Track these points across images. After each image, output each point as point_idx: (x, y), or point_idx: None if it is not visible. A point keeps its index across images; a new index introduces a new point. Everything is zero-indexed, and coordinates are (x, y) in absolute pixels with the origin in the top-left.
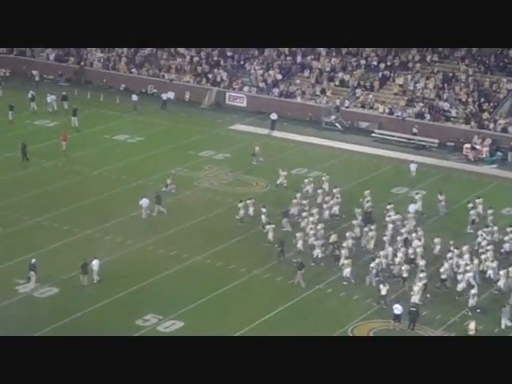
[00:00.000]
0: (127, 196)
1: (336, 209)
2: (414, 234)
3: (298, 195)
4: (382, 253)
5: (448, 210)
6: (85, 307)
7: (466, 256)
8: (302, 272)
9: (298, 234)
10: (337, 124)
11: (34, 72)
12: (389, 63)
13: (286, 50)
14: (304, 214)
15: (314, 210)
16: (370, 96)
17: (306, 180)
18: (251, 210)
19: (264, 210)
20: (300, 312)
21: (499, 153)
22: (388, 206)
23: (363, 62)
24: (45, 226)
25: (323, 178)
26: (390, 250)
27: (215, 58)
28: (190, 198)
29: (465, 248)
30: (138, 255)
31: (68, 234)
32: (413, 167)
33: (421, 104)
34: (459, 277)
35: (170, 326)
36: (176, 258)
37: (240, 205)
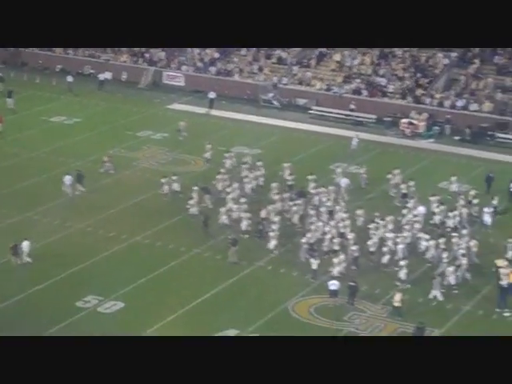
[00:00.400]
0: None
1: (259, 182)
2: (337, 207)
3: (222, 170)
4: (312, 227)
5: (369, 183)
6: (25, 289)
7: (391, 227)
8: (236, 248)
9: (221, 209)
10: (274, 101)
11: None
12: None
13: None
14: (228, 189)
15: (235, 185)
16: (308, 73)
17: (227, 155)
18: (176, 186)
19: (195, 188)
20: (241, 290)
21: (436, 127)
22: (309, 177)
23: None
24: None
25: (246, 151)
26: (319, 224)
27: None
28: (128, 178)
29: (389, 218)
30: (77, 237)
31: (6, 216)
32: (354, 141)
33: (358, 80)
34: (384, 249)
35: (111, 307)
36: (115, 238)
37: (163, 180)
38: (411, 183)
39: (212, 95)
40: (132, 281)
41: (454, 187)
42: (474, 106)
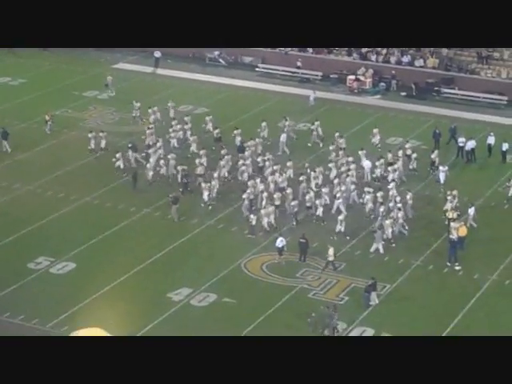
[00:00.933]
0: (12, 139)
1: (180, 135)
2: (267, 163)
3: (150, 126)
4: (249, 183)
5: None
6: None
7: (321, 177)
8: (177, 206)
9: (147, 165)
10: (220, 60)
11: None
12: None
13: None
14: (158, 144)
15: (159, 143)
16: None
17: (150, 110)
18: (103, 143)
19: (130, 144)
20: (193, 248)
21: (382, 83)
22: (235, 131)
23: None
24: None
25: (169, 104)
26: (257, 180)
27: None
28: (75, 139)
29: (318, 170)
30: (26, 198)
31: None
32: (312, 97)
33: None
34: (317, 201)
35: (63, 268)
36: (64, 199)
37: (90, 135)
38: (336, 134)
39: (157, 54)
40: (83, 241)
41: (376, 140)
42: (419, 62)
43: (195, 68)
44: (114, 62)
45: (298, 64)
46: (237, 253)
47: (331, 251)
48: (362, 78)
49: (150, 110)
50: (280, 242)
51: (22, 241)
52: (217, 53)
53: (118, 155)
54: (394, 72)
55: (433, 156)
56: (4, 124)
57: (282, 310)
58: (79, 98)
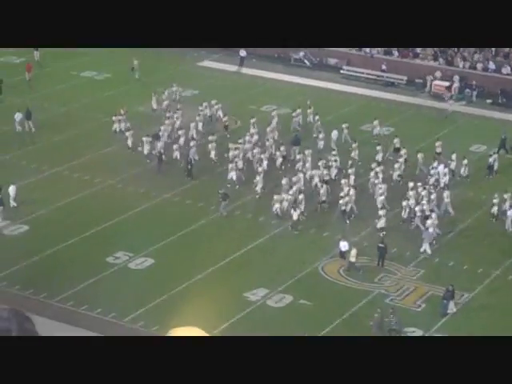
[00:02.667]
0: (95, 133)
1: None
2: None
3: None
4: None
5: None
6: (55, 245)
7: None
8: (227, 203)
9: (174, 146)
10: (305, 60)
11: None
12: None
13: None
14: (180, 132)
15: (181, 131)
16: None
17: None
18: (122, 125)
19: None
20: (270, 249)
21: (467, 90)
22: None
23: None
24: (13, 164)
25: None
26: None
27: None
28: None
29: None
30: (107, 193)
31: (36, 172)
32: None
33: None
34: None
35: (142, 263)
36: (145, 195)
37: (114, 118)
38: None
39: (243, 53)
40: (162, 238)
41: (377, 130)
42: (506, 69)
43: (280, 68)
44: (199, 59)
45: (383, 67)
46: (314, 255)
47: (354, 252)
48: (446, 83)
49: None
50: (343, 246)
51: (102, 235)
52: (302, 53)
53: (145, 139)
54: (476, 80)
55: (491, 160)
56: (88, 118)
57: (358, 314)
58: (163, 94)
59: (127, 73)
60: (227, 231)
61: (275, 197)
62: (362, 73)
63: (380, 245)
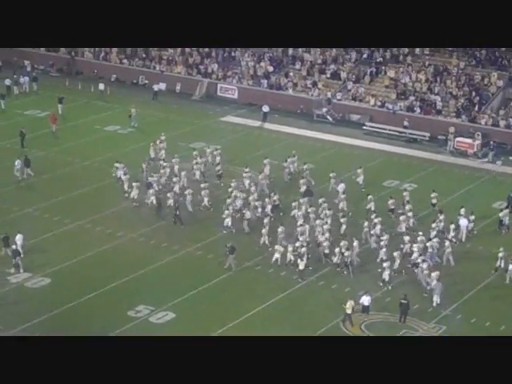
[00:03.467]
0: (118, 187)
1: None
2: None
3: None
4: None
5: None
6: (76, 298)
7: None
8: (234, 256)
9: (168, 194)
10: (328, 116)
11: (26, 62)
12: (380, 56)
13: None
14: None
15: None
16: (362, 89)
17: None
18: (119, 173)
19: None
20: (293, 304)
21: (490, 147)
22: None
23: (354, 55)
24: (36, 217)
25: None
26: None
27: (206, 50)
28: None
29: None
30: (129, 246)
31: (59, 224)
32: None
33: (412, 97)
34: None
35: (163, 317)
36: (167, 249)
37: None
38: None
39: (266, 109)
40: (184, 291)
41: (360, 180)
42: None
43: (302, 124)
44: (223, 114)
45: (405, 123)
46: (336, 311)
47: (349, 304)
48: (469, 140)
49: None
50: (367, 300)
51: (124, 288)
52: (325, 109)
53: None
54: (499, 137)
55: (501, 214)
56: (110, 172)
57: None
58: (186, 149)
59: (150, 127)
60: (249, 286)
61: (276, 247)
62: (385, 129)
63: (402, 301)
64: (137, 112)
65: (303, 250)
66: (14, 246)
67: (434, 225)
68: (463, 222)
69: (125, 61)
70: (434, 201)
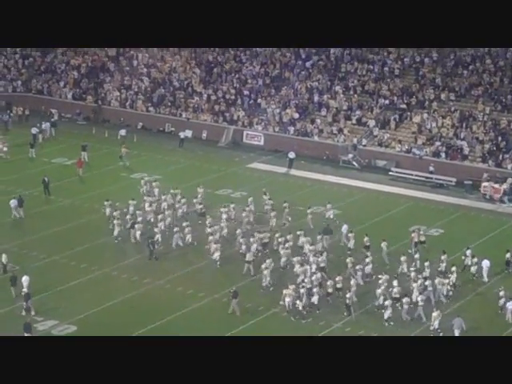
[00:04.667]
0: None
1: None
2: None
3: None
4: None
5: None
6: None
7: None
8: (237, 300)
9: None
10: (354, 162)
11: (53, 110)
12: (405, 102)
13: (304, 88)
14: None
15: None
16: (387, 135)
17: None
18: (107, 211)
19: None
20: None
21: None
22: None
23: (380, 101)
24: (62, 264)
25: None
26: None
27: (232, 97)
28: (202, 237)
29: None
30: (155, 293)
31: (85, 272)
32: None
33: (438, 143)
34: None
35: None
36: (193, 296)
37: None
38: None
39: (292, 155)
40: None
41: (329, 214)
42: None
43: (328, 170)
44: (249, 161)
45: (431, 169)
46: None
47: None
48: (496, 185)
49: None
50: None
51: (150, 335)
52: (350, 155)
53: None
54: None
55: (507, 256)
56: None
57: None
58: (212, 196)
59: (177, 174)
60: (276, 332)
61: (285, 291)
62: (411, 174)
63: None
64: (127, 152)
65: (302, 291)
66: (25, 290)
67: (426, 263)
68: (485, 262)
69: (151, 108)
70: (423, 238)
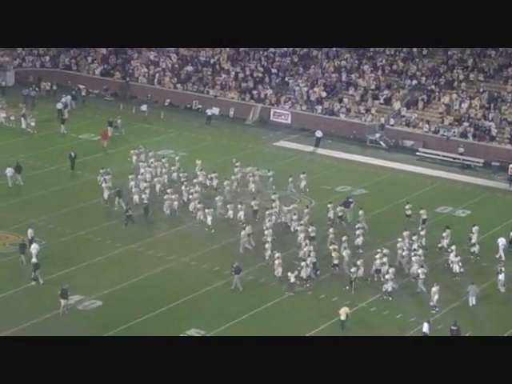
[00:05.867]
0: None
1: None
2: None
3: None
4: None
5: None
6: (128, 321)
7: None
8: (240, 276)
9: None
10: (381, 142)
11: (81, 86)
12: (434, 82)
13: (332, 67)
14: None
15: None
16: (415, 115)
17: (133, 151)
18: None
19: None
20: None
21: None
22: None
23: (408, 81)
24: (88, 240)
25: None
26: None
27: (260, 75)
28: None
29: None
30: (180, 270)
31: (110, 248)
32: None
33: (466, 123)
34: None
35: None
36: (219, 273)
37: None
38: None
39: (319, 134)
40: (234, 316)
41: (302, 185)
42: None
43: (355, 149)
44: (275, 139)
45: (461, 150)
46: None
47: (343, 310)
48: None
49: (132, 151)
50: (426, 327)
51: (175, 312)
52: (378, 135)
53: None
54: None
55: None
56: (163, 195)
57: None
58: (238, 173)
59: (203, 151)
60: (297, 312)
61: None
62: (438, 155)
63: (453, 327)
64: (122, 121)
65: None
66: (34, 260)
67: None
68: (501, 240)
69: (178, 85)
70: (409, 212)
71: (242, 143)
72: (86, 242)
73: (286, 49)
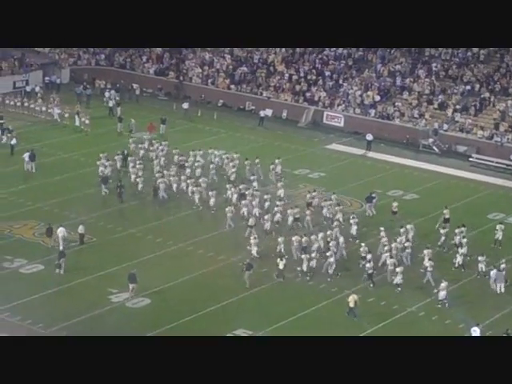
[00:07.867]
0: (221, 211)
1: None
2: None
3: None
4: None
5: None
6: (175, 319)
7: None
8: (250, 273)
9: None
10: (434, 147)
11: (135, 85)
12: (489, 88)
13: (386, 71)
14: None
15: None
16: (469, 120)
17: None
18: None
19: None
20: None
21: None
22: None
23: (463, 86)
24: (138, 238)
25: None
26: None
27: (313, 77)
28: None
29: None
30: (229, 270)
31: (161, 246)
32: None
33: None
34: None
35: None
36: (267, 274)
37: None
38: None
39: (369, 137)
40: (282, 317)
41: (278, 170)
42: None
43: (408, 154)
44: (328, 142)
45: None
46: None
47: (351, 298)
48: None
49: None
50: (474, 331)
51: (223, 312)
52: (431, 140)
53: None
54: None
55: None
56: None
57: None
58: (290, 176)
59: (255, 152)
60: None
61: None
62: (492, 161)
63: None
64: (136, 122)
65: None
66: (61, 248)
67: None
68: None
69: (232, 86)
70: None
71: (294, 145)
72: (136, 239)
73: (340, 52)
